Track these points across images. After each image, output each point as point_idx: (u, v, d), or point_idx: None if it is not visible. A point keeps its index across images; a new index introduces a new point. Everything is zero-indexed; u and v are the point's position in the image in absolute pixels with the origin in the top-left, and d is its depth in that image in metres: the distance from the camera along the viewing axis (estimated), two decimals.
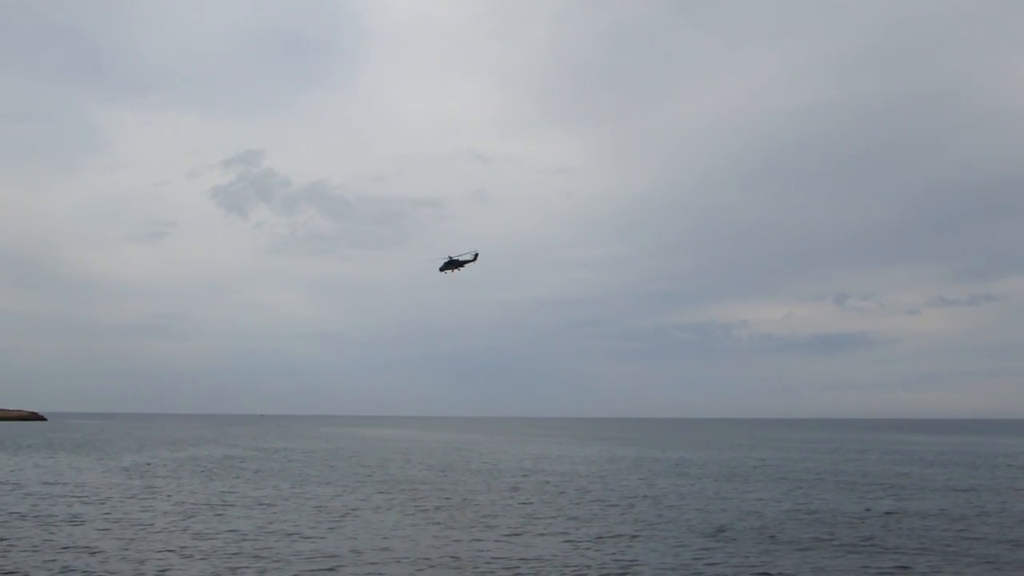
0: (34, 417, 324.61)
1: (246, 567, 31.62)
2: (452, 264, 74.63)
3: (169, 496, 55.07)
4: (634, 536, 39.62)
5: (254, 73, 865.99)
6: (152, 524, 42.17)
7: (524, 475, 74.63)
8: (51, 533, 39.14)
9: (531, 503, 52.58)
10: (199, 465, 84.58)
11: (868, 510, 49.36)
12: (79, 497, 53.96)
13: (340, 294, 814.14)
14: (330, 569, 31.51)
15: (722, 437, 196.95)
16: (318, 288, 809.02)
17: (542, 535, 39.76)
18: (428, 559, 33.54)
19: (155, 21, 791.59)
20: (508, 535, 39.71)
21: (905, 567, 32.43)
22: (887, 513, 47.98)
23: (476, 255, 74.56)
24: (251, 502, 51.93)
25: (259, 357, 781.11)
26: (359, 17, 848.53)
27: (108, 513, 46.16)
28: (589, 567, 32.16)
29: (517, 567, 32.02)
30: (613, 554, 34.84)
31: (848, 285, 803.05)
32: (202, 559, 33.09)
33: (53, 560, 32.55)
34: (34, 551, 34.44)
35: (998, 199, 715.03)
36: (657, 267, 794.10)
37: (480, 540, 38.22)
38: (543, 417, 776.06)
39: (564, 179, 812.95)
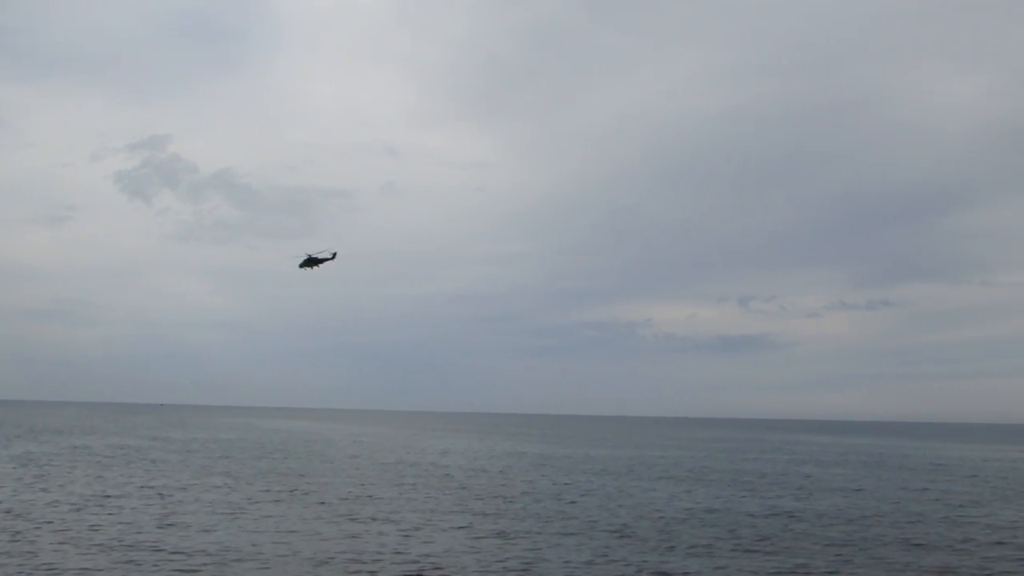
0: None
1: (143, 559, 30.89)
2: (311, 262, 78.28)
3: (62, 486, 53.41)
4: (537, 532, 39.82)
5: (163, 56, 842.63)
6: (44, 515, 40.88)
7: (427, 469, 74.45)
8: None
9: (434, 498, 52.47)
10: (95, 454, 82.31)
11: (768, 509, 50.48)
12: None
13: (246, 283, 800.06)
14: (228, 563, 30.97)
15: (625, 435, 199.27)
16: (224, 277, 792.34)
17: (444, 530, 39.72)
18: (329, 553, 33.22)
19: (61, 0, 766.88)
20: (410, 529, 39.57)
21: (803, 565, 33.27)
22: (786, 512, 49.11)
23: (335, 254, 78.34)
24: (149, 493, 50.74)
25: (161, 345, 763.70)
26: (273, 3, 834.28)
27: None
28: (491, 563, 32.24)
29: (418, 562, 31.93)
30: (516, 551, 34.97)
31: (752, 287, 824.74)
32: (98, 551, 32.21)
33: None
34: None
35: (898, 207, 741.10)
36: (566, 264, 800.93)
37: (382, 535, 38.00)
38: (450, 412, 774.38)
39: (476, 174, 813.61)
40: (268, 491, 53.73)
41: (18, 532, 35.81)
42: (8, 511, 41.72)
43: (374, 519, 42.56)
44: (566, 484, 63.92)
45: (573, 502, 51.99)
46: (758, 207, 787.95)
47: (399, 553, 33.50)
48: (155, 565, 30.11)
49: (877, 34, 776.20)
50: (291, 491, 54.05)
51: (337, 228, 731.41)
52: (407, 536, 37.76)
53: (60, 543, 33.61)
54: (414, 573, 30.46)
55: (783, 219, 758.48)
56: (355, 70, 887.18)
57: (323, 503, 48.35)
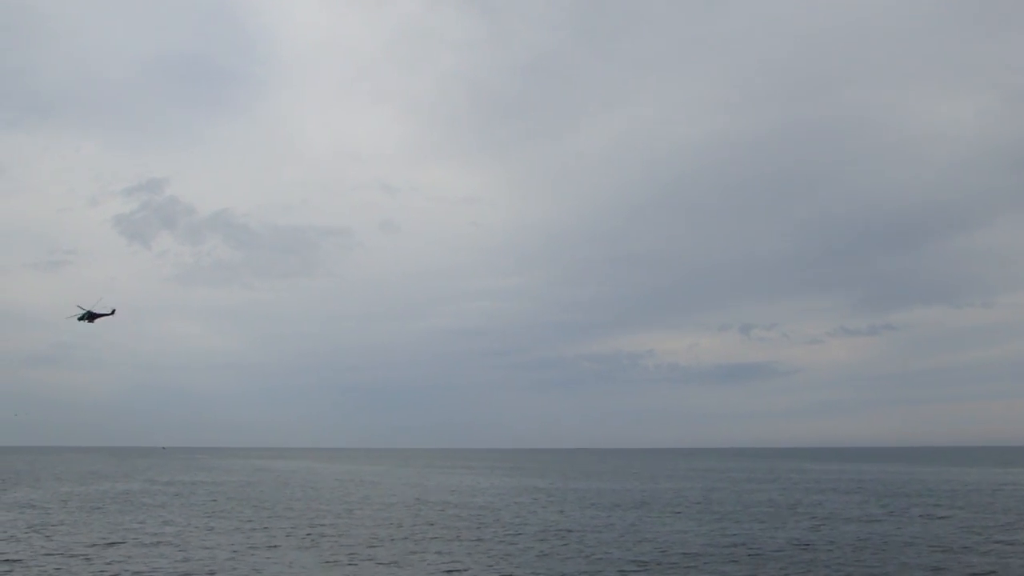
0: None
1: None
2: (89, 316, 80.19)
3: (66, 534, 52.19)
4: (560, 571, 38.73)
5: (158, 99, 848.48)
6: (43, 565, 39.72)
7: (438, 508, 73.20)
8: None
9: (450, 538, 51.31)
10: (97, 500, 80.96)
11: (788, 542, 49.32)
12: None
13: (245, 324, 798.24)
14: None
15: (632, 467, 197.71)
16: (223, 318, 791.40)
17: (468, 570, 38.61)
18: None
19: (55, 44, 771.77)
20: (432, 572, 38.45)
21: None
22: (808, 544, 47.99)
23: (113, 310, 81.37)
24: (152, 539, 49.55)
25: (161, 388, 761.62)
26: (265, 43, 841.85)
27: None
28: None
29: None
30: None
31: (753, 315, 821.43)
32: None
33: None
34: None
35: (896, 230, 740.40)
36: (565, 296, 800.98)
37: None
38: (452, 448, 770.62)
39: (471, 209, 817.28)
40: (281, 535, 52.52)
41: None
42: (5, 561, 40.60)
43: (394, 562, 41.45)
44: (580, 519, 62.71)
45: (591, 539, 50.82)
46: (756, 234, 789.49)
47: None
48: None
49: (865, 57, 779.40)
50: (304, 535, 52.80)
51: (335, 266, 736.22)
52: None
53: None
54: None
55: (782, 245, 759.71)
56: (349, 108, 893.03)
57: (340, 547, 47.20)
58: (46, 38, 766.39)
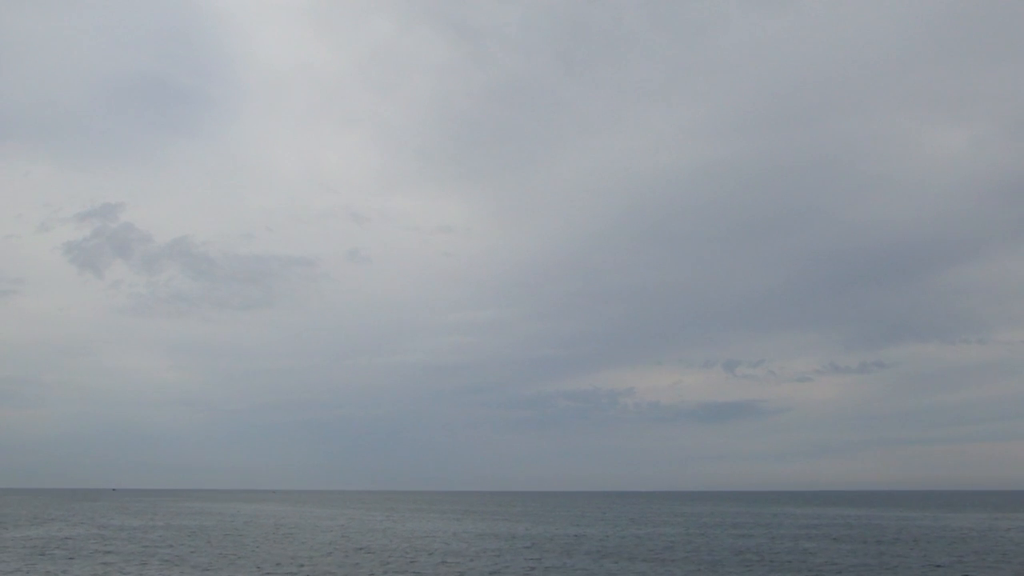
0: None
1: None
2: None
3: None
4: None
5: (114, 121, 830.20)
6: None
7: (413, 556, 68.11)
8: None
9: None
10: (40, 547, 75.32)
11: None
12: None
13: (204, 358, 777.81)
14: None
15: (614, 511, 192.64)
16: (180, 351, 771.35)
17: None
18: None
19: (3, 65, 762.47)
20: None
21: None
22: None
23: None
24: None
25: (113, 426, 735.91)
26: (230, 65, 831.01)
27: None
28: None
29: None
30: None
31: (738, 352, 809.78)
32: None
33: None
34: None
35: (888, 265, 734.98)
36: (543, 331, 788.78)
37: None
38: (423, 490, 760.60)
39: (445, 239, 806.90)
40: None
41: None
42: None
43: None
44: (557, 568, 57.80)
45: None
46: (742, 267, 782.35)
47: None
48: None
49: (857, 86, 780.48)
50: None
51: (299, 297, 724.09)
52: None
53: None
54: None
55: (768, 280, 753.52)
56: (317, 133, 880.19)
57: None
58: None
